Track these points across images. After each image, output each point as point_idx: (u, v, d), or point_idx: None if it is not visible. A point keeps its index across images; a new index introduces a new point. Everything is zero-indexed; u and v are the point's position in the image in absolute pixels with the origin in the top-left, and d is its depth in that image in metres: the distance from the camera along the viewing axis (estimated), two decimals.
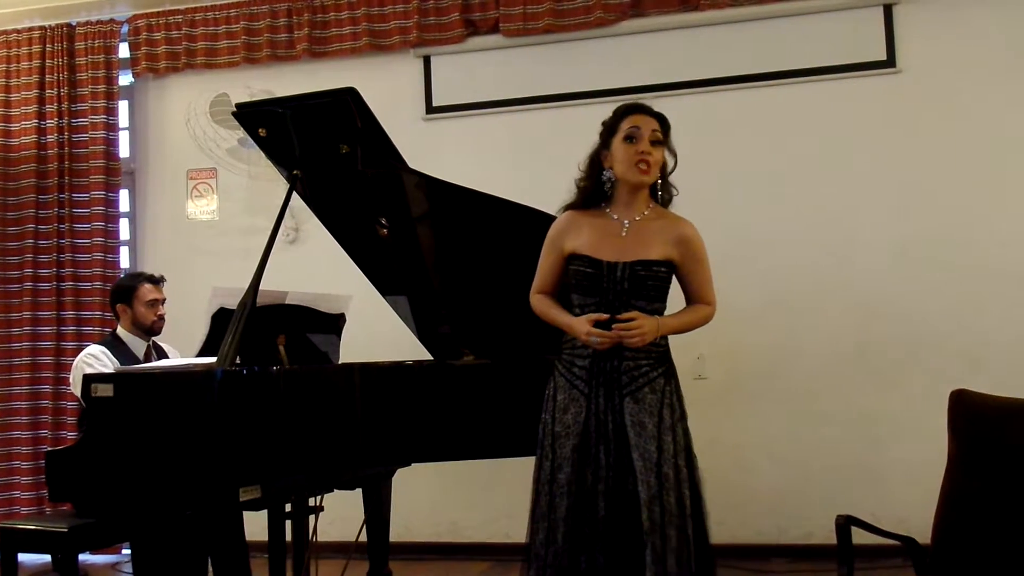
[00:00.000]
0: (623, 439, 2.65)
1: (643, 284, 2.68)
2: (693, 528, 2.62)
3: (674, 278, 2.80)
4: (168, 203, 5.58)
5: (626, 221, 2.76)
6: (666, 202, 2.85)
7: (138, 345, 3.96)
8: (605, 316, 2.67)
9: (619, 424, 2.66)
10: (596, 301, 2.71)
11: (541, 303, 2.84)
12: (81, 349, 5.24)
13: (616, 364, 2.68)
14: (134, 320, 3.96)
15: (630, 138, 2.73)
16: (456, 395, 3.10)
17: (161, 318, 3.98)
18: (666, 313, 2.76)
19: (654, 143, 2.72)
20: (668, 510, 2.59)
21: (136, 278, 4.04)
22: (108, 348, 3.90)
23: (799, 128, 4.78)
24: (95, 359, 3.81)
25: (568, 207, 2.85)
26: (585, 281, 2.72)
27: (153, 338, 4.02)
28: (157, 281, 4.02)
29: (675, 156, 2.82)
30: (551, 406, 2.75)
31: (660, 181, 2.80)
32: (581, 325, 2.68)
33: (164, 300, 4.01)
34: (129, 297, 3.95)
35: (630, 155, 2.72)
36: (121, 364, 3.75)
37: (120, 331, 4.00)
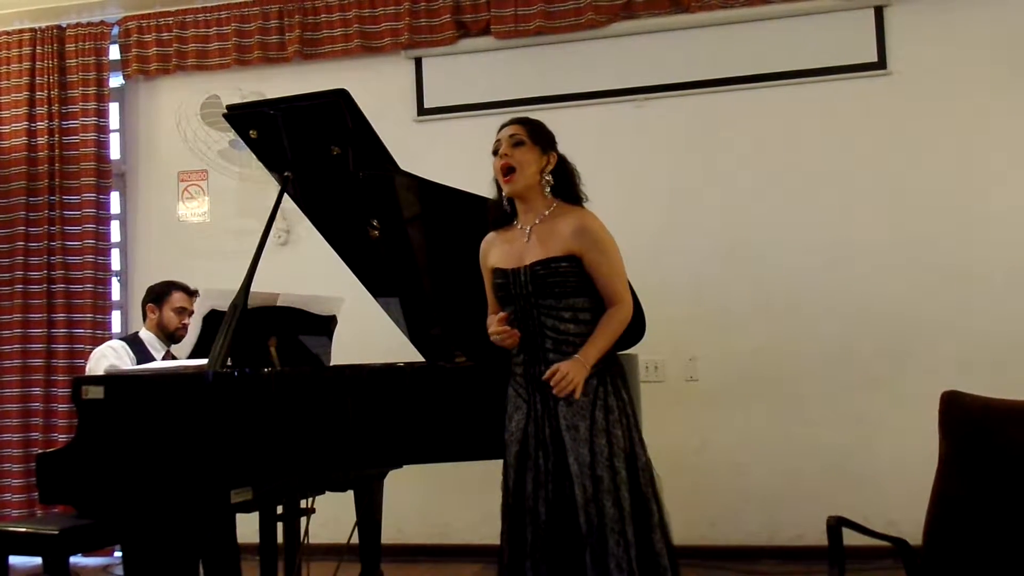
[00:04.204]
0: (560, 443, 2.69)
1: (545, 283, 2.72)
2: (635, 532, 2.62)
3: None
4: (159, 205, 5.57)
5: (528, 227, 2.82)
6: (575, 198, 2.85)
7: (158, 348, 4.04)
8: (505, 316, 2.76)
9: (555, 428, 2.71)
10: (514, 309, 2.78)
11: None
12: (72, 351, 5.30)
13: (543, 369, 2.73)
14: (159, 323, 4.06)
15: (495, 152, 2.83)
16: (447, 397, 3.10)
17: (184, 327, 4.04)
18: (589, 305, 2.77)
19: (515, 145, 2.79)
20: (605, 513, 2.61)
21: (172, 284, 4.13)
22: (128, 345, 3.97)
23: (790, 130, 4.79)
24: (113, 351, 3.91)
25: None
26: (500, 292, 2.82)
27: (171, 347, 4.08)
28: (191, 293, 4.10)
29: (549, 153, 2.82)
30: (506, 416, 2.83)
31: (548, 178, 2.82)
32: (488, 329, 2.80)
33: (192, 312, 4.05)
34: (160, 299, 4.07)
35: (496, 166, 2.81)
36: (139, 363, 3.83)
37: (143, 332, 4.09)
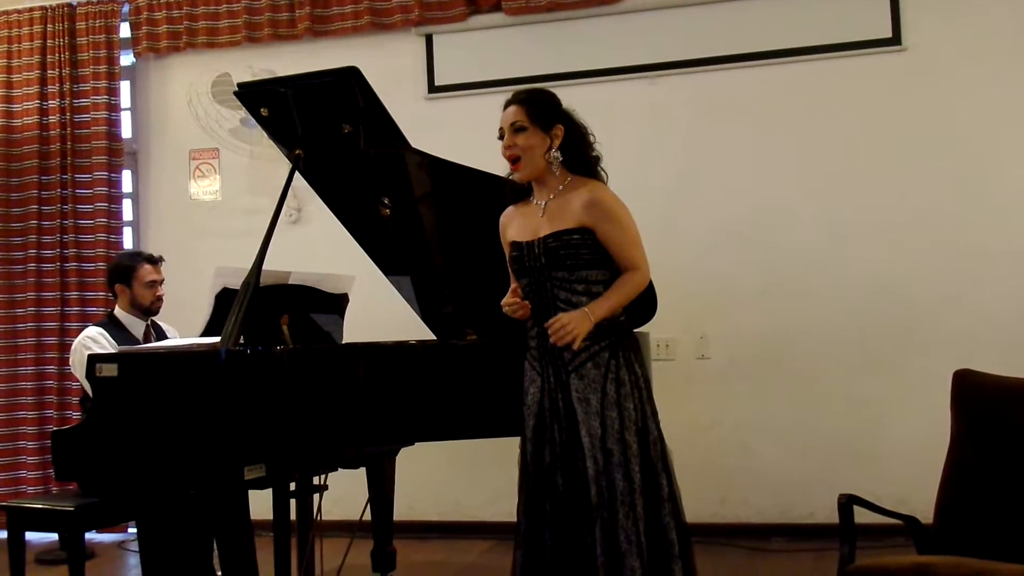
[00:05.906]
0: (572, 416, 2.70)
1: (556, 255, 2.73)
2: (644, 505, 2.64)
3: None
4: (171, 183, 5.58)
5: (543, 202, 2.84)
6: (587, 167, 2.84)
7: (136, 325, 3.97)
8: (517, 287, 2.79)
9: (567, 401, 2.72)
10: (528, 281, 2.81)
11: None
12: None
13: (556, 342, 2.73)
14: (132, 300, 3.96)
15: (501, 137, 2.84)
16: (459, 375, 3.11)
17: (159, 298, 3.98)
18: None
19: (517, 131, 2.79)
20: (615, 486, 2.63)
21: (135, 258, 4.02)
22: (106, 329, 3.90)
23: (803, 107, 4.76)
24: (93, 341, 3.82)
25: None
26: (515, 265, 2.85)
27: (152, 317, 4.03)
28: (156, 261, 4.01)
29: (553, 129, 2.80)
30: (523, 390, 2.84)
31: (556, 155, 2.80)
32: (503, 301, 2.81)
33: (162, 280, 4.02)
34: (128, 277, 3.94)
35: (503, 153, 2.83)
36: (120, 345, 3.76)
37: (118, 312, 4.00)
